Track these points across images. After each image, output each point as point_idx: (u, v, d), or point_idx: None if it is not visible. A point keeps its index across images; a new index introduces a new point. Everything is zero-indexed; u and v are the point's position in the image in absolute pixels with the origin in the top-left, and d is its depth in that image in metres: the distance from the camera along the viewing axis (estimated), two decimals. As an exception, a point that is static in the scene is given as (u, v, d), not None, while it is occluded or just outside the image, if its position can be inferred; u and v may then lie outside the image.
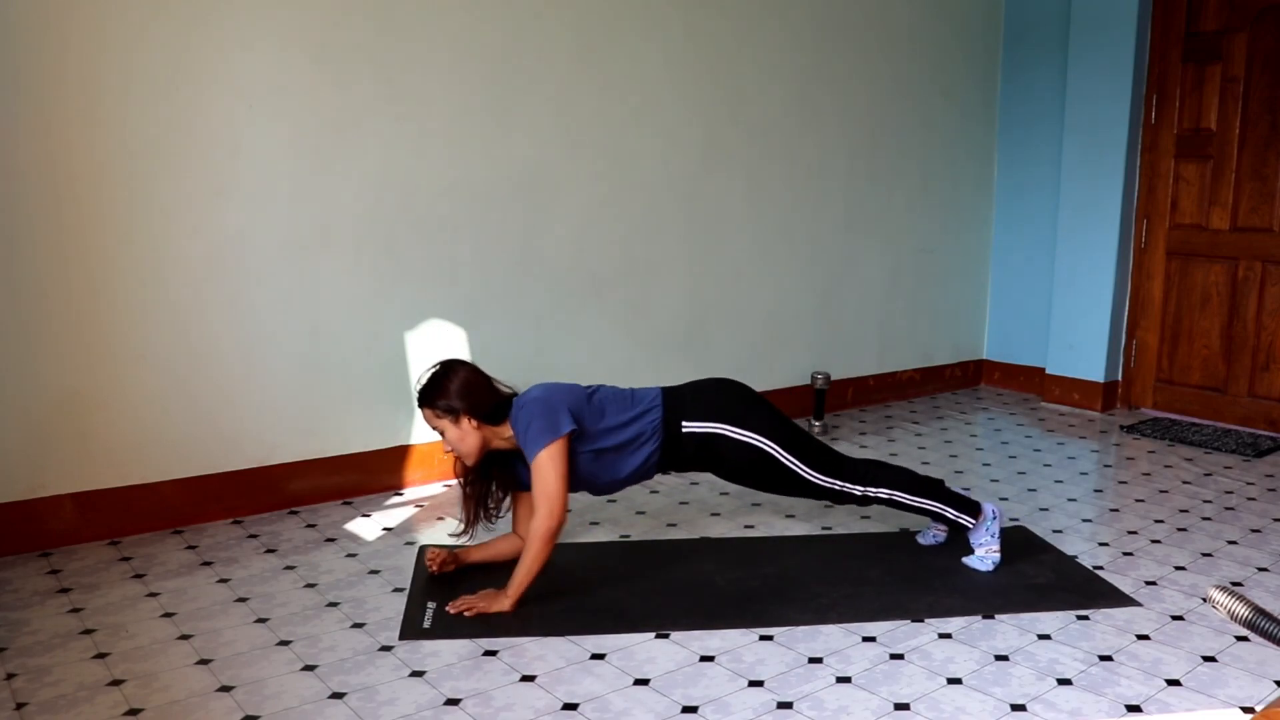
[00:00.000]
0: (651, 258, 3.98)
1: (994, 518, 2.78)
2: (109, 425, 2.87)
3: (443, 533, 3.04)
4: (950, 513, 2.75)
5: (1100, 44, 4.64)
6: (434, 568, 2.63)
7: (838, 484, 2.69)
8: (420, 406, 2.54)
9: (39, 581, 2.60)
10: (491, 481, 2.64)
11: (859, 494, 2.72)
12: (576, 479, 2.55)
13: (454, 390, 2.49)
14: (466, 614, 2.42)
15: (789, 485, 2.69)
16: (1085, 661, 2.27)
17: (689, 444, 2.61)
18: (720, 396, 2.68)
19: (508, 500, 2.70)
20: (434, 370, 2.56)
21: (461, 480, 2.63)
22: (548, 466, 2.42)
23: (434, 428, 2.54)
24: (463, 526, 2.63)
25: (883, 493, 2.72)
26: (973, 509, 2.78)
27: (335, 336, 3.23)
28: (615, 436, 2.55)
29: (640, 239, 3.93)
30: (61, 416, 2.80)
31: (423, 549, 2.86)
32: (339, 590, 2.58)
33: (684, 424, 2.60)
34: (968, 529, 2.77)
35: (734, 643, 2.33)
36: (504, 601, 2.44)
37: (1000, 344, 5.37)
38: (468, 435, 2.50)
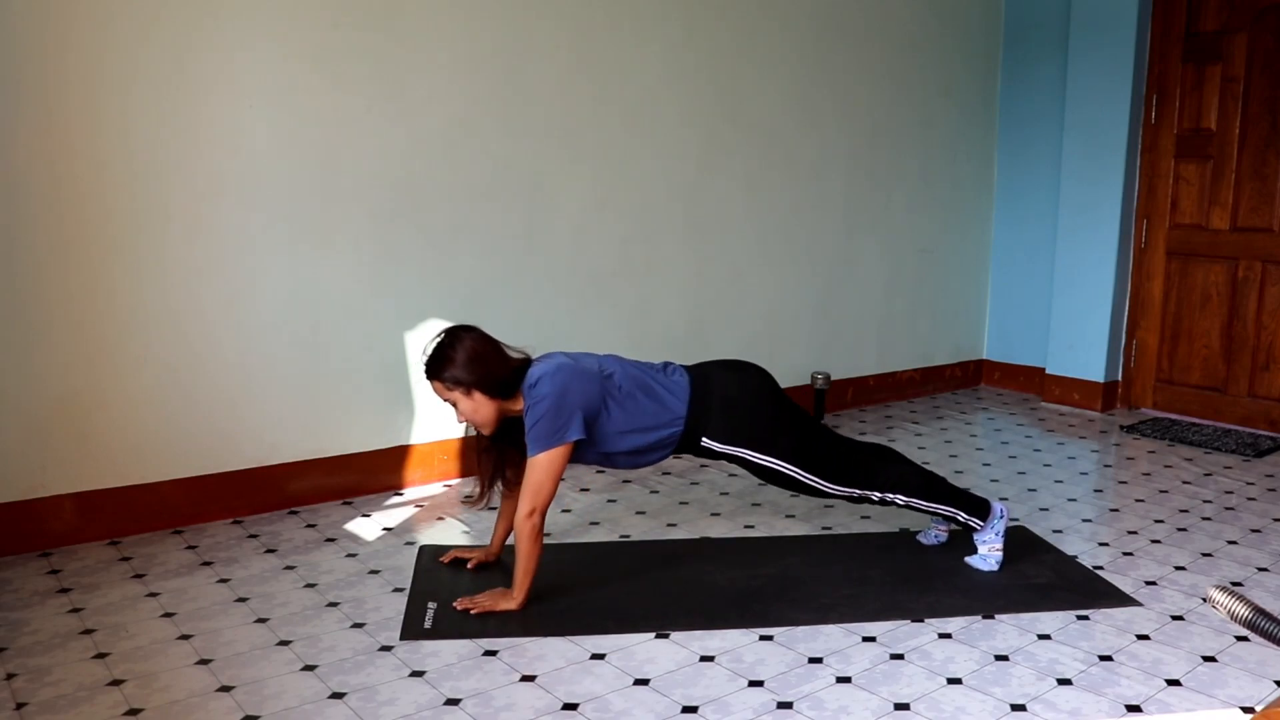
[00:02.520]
0: (651, 258, 3.98)
1: (1001, 517, 2.78)
2: (109, 425, 2.87)
3: (443, 533, 3.04)
4: (962, 516, 2.75)
5: (1100, 44, 4.63)
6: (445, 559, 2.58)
7: (855, 491, 2.68)
8: (428, 379, 2.44)
9: (39, 581, 2.60)
10: (512, 447, 2.57)
11: (875, 499, 2.71)
12: (580, 459, 2.50)
13: (462, 361, 2.38)
14: (472, 611, 2.40)
15: (804, 491, 2.69)
16: (1085, 661, 2.27)
17: (706, 454, 2.59)
18: (747, 418, 2.56)
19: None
20: (439, 340, 2.43)
21: (477, 449, 2.58)
22: (544, 469, 2.36)
23: (445, 400, 2.44)
24: (477, 492, 2.60)
25: (899, 499, 2.70)
26: (982, 510, 2.77)
27: (335, 336, 3.23)
28: (629, 442, 2.48)
29: (640, 239, 3.93)
30: (61, 416, 2.80)
31: (423, 549, 2.86)
32: (339, 590, 2.58)
33: (704, 440, 2.55)
34: (976, 530, 2.77)
35: (734, 643, 2.33)
36: (510, 601, 2.42)
37: (1000, 344, 5.37)
38: (482, 407, 2.42)
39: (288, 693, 2.06)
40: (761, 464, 2.59)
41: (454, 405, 2.44)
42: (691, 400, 2.52)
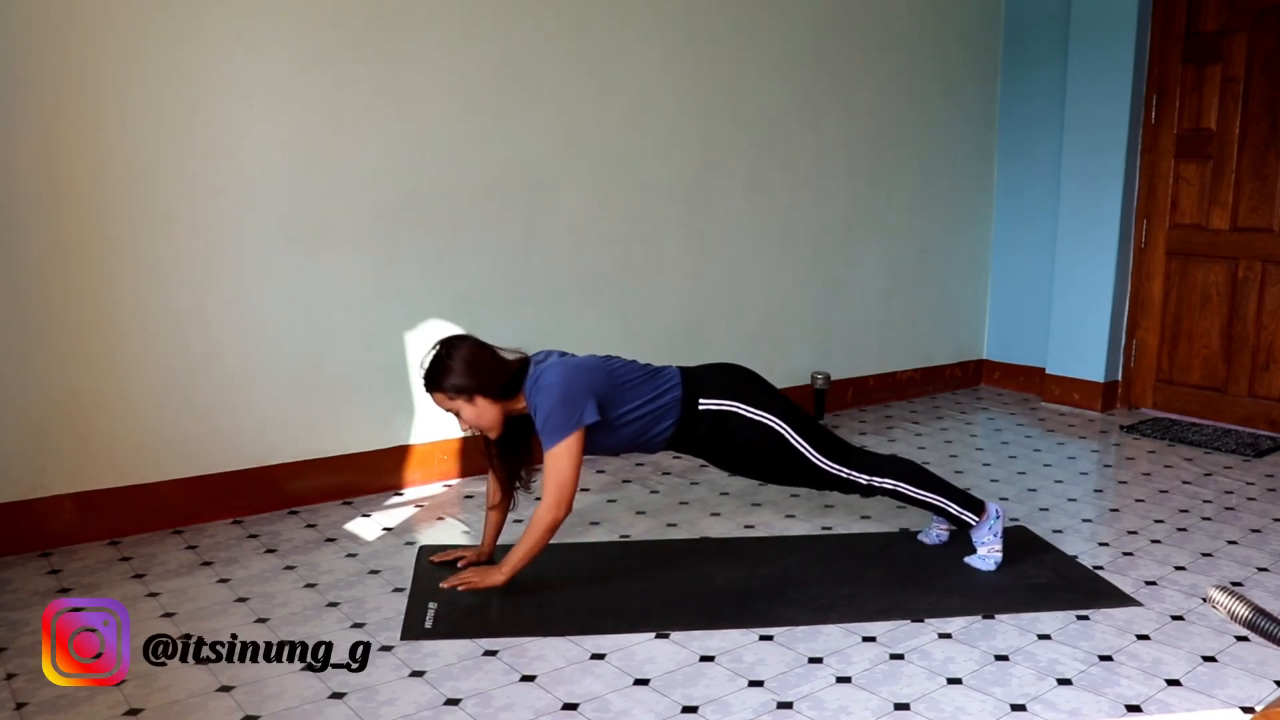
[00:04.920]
0: (651, 258, 3.98)
1: (997, 517, 2.78)
2: (109, 425, 2.87)
3: (443, 533, 3.04)
4: (954, 508, 2.75)
5: (1100, 44, 4.63)
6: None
7: (844, 471, 2.68)
8: (429, 391, 2.47)
9: (39, 581, 2.60)
10: (521, 450, 2.59)
11: (864, 483, 2.71)
12: (590, 449, 2.53)
13: (459, 369, 2.41)
14: (460, 589, 2.44)
15: (795, 470, 2.68)
16: (1085, 661, 2.27)
17: (703, 421, 2.60)
18: (737, 378, 2.70)
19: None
20: (435, 351, 2.47)
21: (487, 454, 2.59)
22: (565, 459, 2.39)
23: (448, 410, 2.47)
24: (499, 499, 2.62)
25: (887, 483, 2.71)
26: (976, 507, 2.78)
27: (335, 336, 3.23)
28: (635, 414, 2.52)
29: (640, 239, 3.93)
30: (61, 416, 2.80)
31: (423, 549, 2.86)
32: (339, 590, 2.58)
33: (700, 401, 2.60)
34: (970, 526, 2.77)
35: (734, 643, 2.33)
36: (497, 576, 2.47)
37: (1000, 344, 5.37)
38: (485, 412, 2.44)
39: (288, 693, 2.06)
40: (753, 418, 2.61)
41: (457, 414, 2.47)
42: (683, 371, 2.66)
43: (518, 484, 2.64)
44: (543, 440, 2.41)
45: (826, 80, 4.45)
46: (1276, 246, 4.34)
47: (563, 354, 2.59)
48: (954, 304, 5.21)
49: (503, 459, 2.59)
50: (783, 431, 2.62)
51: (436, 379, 2.44)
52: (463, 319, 3.49)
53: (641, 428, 2.56)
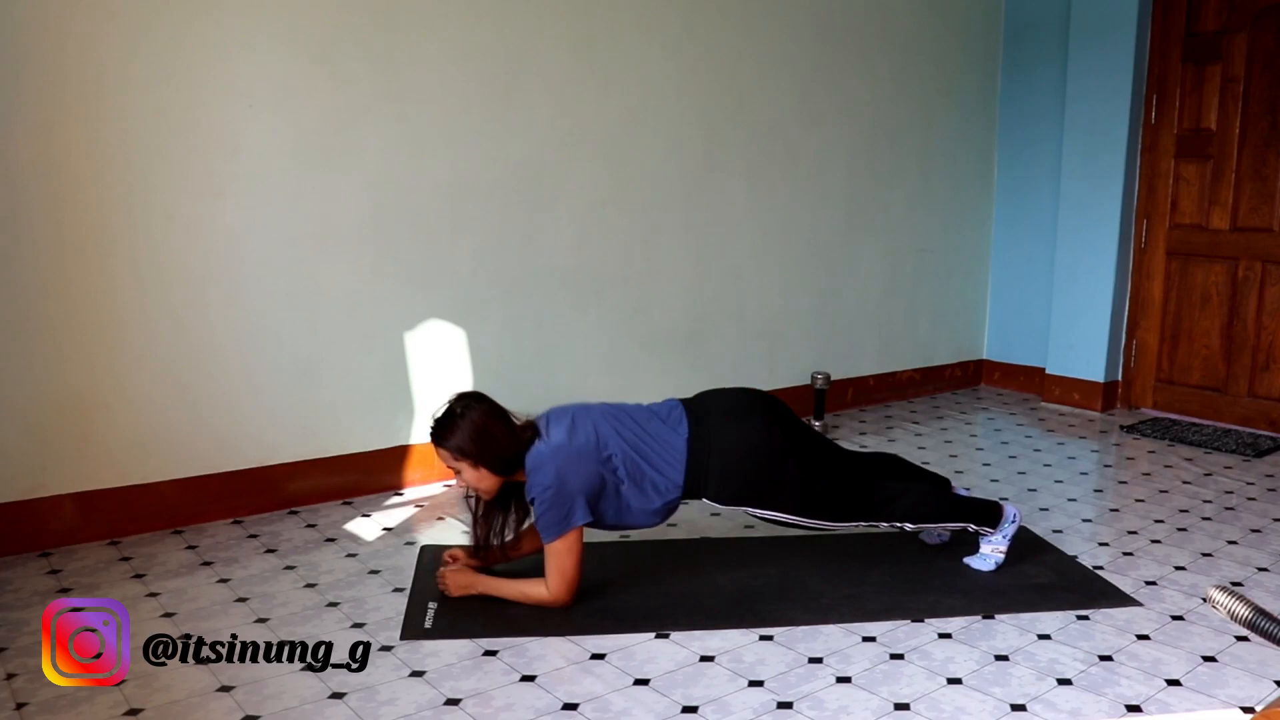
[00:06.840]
0: (652, 257, 3.98)
1: (1012, 521, 2.77)
2: (109, 425, 2.87)
3: (443, 533, 3.04)
4: (973, 527, 2.75)
5: (1100, 44, 4.63)
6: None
7: (863, 524, 2.67)
8: (433, 444, 2.43)
9: (39, 581, 2.60)
10: (509, 509, 2.56)
11: (884, 527, 2.70)
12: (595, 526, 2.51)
13: (468, 434, 2.37)
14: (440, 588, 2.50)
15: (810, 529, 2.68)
16: (1085, 661, 2.27)
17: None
18: (747, 480, 2.53)
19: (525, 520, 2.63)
20: (448, 408, 2.43)
21: (473, 504, 2.54)
22: (564, 555, 2.39)
23: (451, 468, 2.44)
24: (473, 547, 2.58)
25: (908, 526, 2.69)
26: (994, 516, 2.76)
27: (335, 336, 3.23)
28: (633, 514, 2.49)
29: (640, 239, 3.93)
30: (61, 416, 2.80)
31: (423, 549, 2.86)
32: (339, 590, 2.58)
33: (705, 499, 2.55)
34: (987, 536, 2.77)
35: (734, 643, 2.33)
36: (474, 586, 2.48)
37: (1000, 344, 5.37)
38: (485, 479, 2.42)
39: (288, 693, 2.06)
40: (764, 517, 2.59)
41: (458, 473, 2.43)
42: (688, 469, 2.50)
43: (494, 541, 2.56)
44: (540, 533, 2.41)
45: (827, 80, 4.45)
46: (1276, 246, 4.34)
47: (569, 417, 2.48)
48: (954, 304, 5.21)
49: (488, 518, 2.54)
50: (793, 520, 2.59)
51: (442, 436, 2.40)
52: (463, 319, 3.49)
53: (644, 514, 2.52)
